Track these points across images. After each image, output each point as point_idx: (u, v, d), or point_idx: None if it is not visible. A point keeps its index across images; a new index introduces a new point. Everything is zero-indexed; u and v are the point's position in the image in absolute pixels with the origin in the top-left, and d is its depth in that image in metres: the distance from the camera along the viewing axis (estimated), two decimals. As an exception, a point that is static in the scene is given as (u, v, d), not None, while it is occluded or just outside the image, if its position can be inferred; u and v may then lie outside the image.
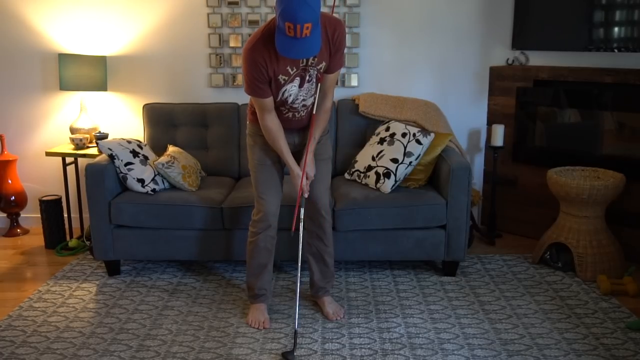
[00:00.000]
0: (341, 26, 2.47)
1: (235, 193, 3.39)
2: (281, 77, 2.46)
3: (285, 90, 2.51)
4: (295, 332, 2.60)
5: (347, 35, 3.88)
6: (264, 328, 2.78)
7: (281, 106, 2.59)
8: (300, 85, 2.53)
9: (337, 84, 2.84)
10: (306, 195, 2.71)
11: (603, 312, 2.91)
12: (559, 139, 3.86)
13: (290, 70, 2.45)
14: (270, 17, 3.89)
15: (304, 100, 2.60)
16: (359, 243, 3.24)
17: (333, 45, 2.46)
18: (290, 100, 2.56)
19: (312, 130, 2.65)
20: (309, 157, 2.66)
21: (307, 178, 2.68)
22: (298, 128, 2.71)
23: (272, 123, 2.59)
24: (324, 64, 2.50)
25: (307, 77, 2.52)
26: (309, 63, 2.47)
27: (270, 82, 2.47)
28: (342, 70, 3.96)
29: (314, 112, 2.65)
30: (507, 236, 4.04)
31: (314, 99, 2.64)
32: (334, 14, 3.01)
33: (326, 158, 2.83)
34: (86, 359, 2.52)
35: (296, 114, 2.64)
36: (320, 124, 2.67)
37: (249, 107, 2.75)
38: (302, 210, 2.74)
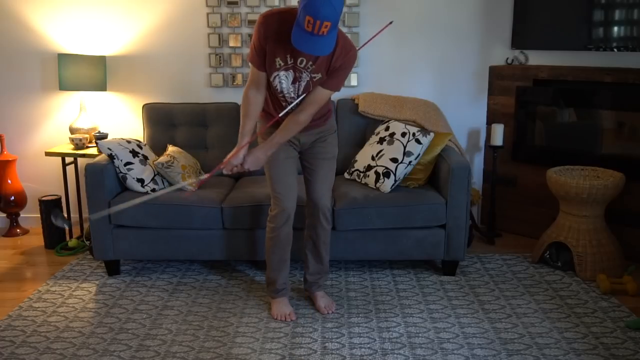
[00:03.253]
0: (353, 53, 2.50)
1: (235, 193, 3.39)
2: (277, 61, 2.48)
3: (277, 76, 2.52)
4: None
5: (346, 35, 3.87)
6: (291, 320, 2.82)
7: (278, 94, 2.60)
8: (293, 82, 2.54)
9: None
10: (225, 172, 2.65)
11: (603, 311, 2.91)
12: (559, 138, 3.86)
13: (288, 58, 2.47)
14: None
15: (290, 97, 2.59)
16: (359, 243, 3.24)
17: (335, 62, 2.46)
18: (280, 89, 2.57)
19: (274, 133, 2.61)
20: (242, 151, 2.60)
21: (241, 165, 2.62)
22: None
23: (254, 97, 2.58)
24: (319, 75, 2.50)
25: (299, 78, 2.52)
26: (305, 66, 2.48)
27: (265, 59, 2.49)
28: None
29: (285, 113, 2.63)
30: (507, 235, 4.04)
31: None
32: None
33: (330, 157, 2.84)
34: (86, 358, 2.52)
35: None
36: (284, 131, 2.60)
37: None
38: (204, 176, 2.71)
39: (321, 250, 2.91)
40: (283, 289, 2.90)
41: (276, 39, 2.43)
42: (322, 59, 2.45)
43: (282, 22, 2.41)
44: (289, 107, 2.61)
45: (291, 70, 2.51)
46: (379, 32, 2.75)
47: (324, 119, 2.77)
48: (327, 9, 2.17)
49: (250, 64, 2.56)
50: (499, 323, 2.80)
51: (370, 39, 2.78)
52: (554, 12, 3.68)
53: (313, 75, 2.50)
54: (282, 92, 2.59)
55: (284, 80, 2.54)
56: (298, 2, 2.32)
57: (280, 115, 2.63)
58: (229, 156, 2.63)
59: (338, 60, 2.46)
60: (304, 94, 2.57)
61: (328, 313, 2.90)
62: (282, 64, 2.49)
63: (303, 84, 2.54)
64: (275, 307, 2.88)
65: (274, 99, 2.66)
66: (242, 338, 2.69)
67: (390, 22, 2.89)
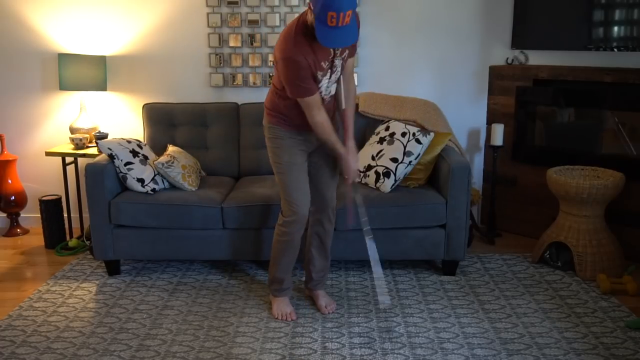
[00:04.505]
0: (357, 13, 2.53)
1: (235, 193, 3.40)
2: (319, 74, 2.51)
3: (322, 85, 2.56)
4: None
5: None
6: (291, 320, 2.83)
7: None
8: (329, 77, 2.58)
9: None
10: (358, 181, 2.77)
11: (603, 311, 2.91)
12: (559, 138, 3.86)
13: (324, 65, 2.50)
14: (269, 16, 3.90)
15: (329, 91, 2.64)
16: (359, 243, 3.23)
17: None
18: (321, 94, 2.60)
19: (348, 122, 2.69)
20: (350, 157, 2.68)
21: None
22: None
23: (323, 117, 2.58)
24: (347, 51, 2.56)
25: (334, 69, 2.56)
26: (336, 54, 2.51)
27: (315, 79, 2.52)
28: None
29: (343, 105, 2.69)
30: (507, 235, 4.04)
31: (336, 85, 2.66)
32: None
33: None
34: (86, 358, 2.52)
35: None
36: (352, 110, 2.73)
37: (269, 109, 2.73)
38: (364, 215, 2.77)
39: (327, 245, 2.93)
40: (288, 288, 2.92)
41: (311, 59, 2.44)
42: None
43: (304, 42, 2.41)
44: (341, 91, 2.67)
45: (328, 71, 2.54)
46: None
47: (332, 113, 2.79)
48: None
49: (306, 98, 2.50)
50: (499, 323, 2.81)
51: None
52: (554, 12, 3.68)
53: (343, 57, 2.56)
54: (322, 95, 2.61)
55: (324, 84, 2.57)
56: (308, 3, 2.33)
57: (327, 99, 2.65)
58: (346, 171, 2.69)
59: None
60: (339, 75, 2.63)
61: (329, 312, 2.91)
62: (322, 73, 2.52)
63: (339, 69, 2.58)
64: (277, 306, 2.89)
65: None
66: (242, 338, 2.69)
67: None
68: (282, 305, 2.88)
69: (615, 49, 3.47)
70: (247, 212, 3.20)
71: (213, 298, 3.10)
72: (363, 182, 3.41)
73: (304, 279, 3.08)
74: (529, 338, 2.66)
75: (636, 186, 3.45)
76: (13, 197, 4.04)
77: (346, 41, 2.31)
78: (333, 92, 2.67)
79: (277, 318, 2.85)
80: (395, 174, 3.28)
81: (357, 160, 2.74)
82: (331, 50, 2.48)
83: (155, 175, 3.37)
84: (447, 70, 4.03)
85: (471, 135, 4.13)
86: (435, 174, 3.43)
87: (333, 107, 2.74)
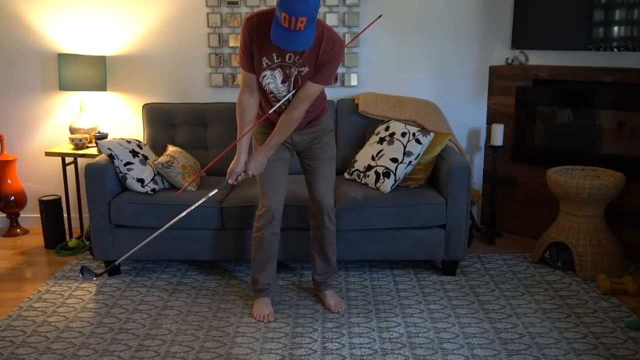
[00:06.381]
0: (340, 46, 2.49)
1: (235, 193, 3.39)
2: (264, 60, 2.51)
3: (265, 76, 2.55)
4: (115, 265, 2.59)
5: (346, 34, 3.88)
6: (268, 321, 2.82)
7: (269, 95, 2.62)
8: (283, 81, 2.56)
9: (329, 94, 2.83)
10: (230, 182, 2.72)
11: (603, 311, 2.91)
12: (559, 138, 3.86)
13: (275, 57, 2.49)
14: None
15: (280, 94, 2.61)
16: (359, 242, 3.24)
17: (322, 55, 2.47)
18: (270, 90, 2.59)
19: (271, 134, 2.66)
20: (242, 157, 2.68)
21: (245, 172, 2.70)
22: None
23: (248, 102, 2.63)
24: (307, 69, 2.51)
25: (288, 73, 2.54)
26: (293, 61, 2.49)
27: (253, 60, 2.52)
28: (342, 70, 3.97)
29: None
30: (507, 235, 4.04)
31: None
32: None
33: (329, 157, 2.85)
34: (86, 359, 2.52)
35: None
36: (280, 130, 2.63)
37: None
38: (215, 192, 2.81)
39: (327, 251, 2.93)
40: (265, 290, 2.91)
41: (262, 38, 2.46)
42: (309, 52, 2.46)
43: (266, 22, 2.42)
44: (278, 104, 2.62)
45: (279, 69, 2.53)
46: (367, 27, 2.83)
47: (317, 117, 2.77)
48: (301, 4, 2.19)
49: (240, 68, 2.59)
50: (499, 323, 2.80)
51: (358, 35, 2.84)
52: (554, 12, 3.67)
53: (300, 70, 2.51)
54: (272, 92, 2.61)
55: (271, 80, 2.56)
56: None
57: (270, 112, 2.64)
58: (231, 165, 2.69)
59: (325, 54, 2.47)
60: (295, 90, 2.58)
61: (338, 312, 2.91)
62: (269, 62, 2.51)
63: (292, 79, 2.56)
64: (255, 307, 2.90)
65: (266, 101, 2.67)
66: (242, 338, 2.68)
67: (380, 16, 2.92)
68: (261, 307, 2.88)
69: (616, 49, 3.47)
70: (247, 212, 3.20)
71: (213, 298, 3.10)
72: (363, 182, 3.42)
73: (312, 279, 3.07)
74: (529, 338, 2.66)
75: (636, 186, 3.45)
76: (13, 197, 4.04)
77: (293, 45, 2.30)
78: (286, 98, 2.60)
79: (256, 318, 2.85)
80: (395, 174, 3.28)
81: (244, 168, 2.69)
82: (290, 50, 2.45)
83: (155, 176, 3.37)
84: (447, 70, 4.02)
85: (471, 135, 4.13)
86: (435, 174, 3.43)
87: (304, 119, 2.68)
